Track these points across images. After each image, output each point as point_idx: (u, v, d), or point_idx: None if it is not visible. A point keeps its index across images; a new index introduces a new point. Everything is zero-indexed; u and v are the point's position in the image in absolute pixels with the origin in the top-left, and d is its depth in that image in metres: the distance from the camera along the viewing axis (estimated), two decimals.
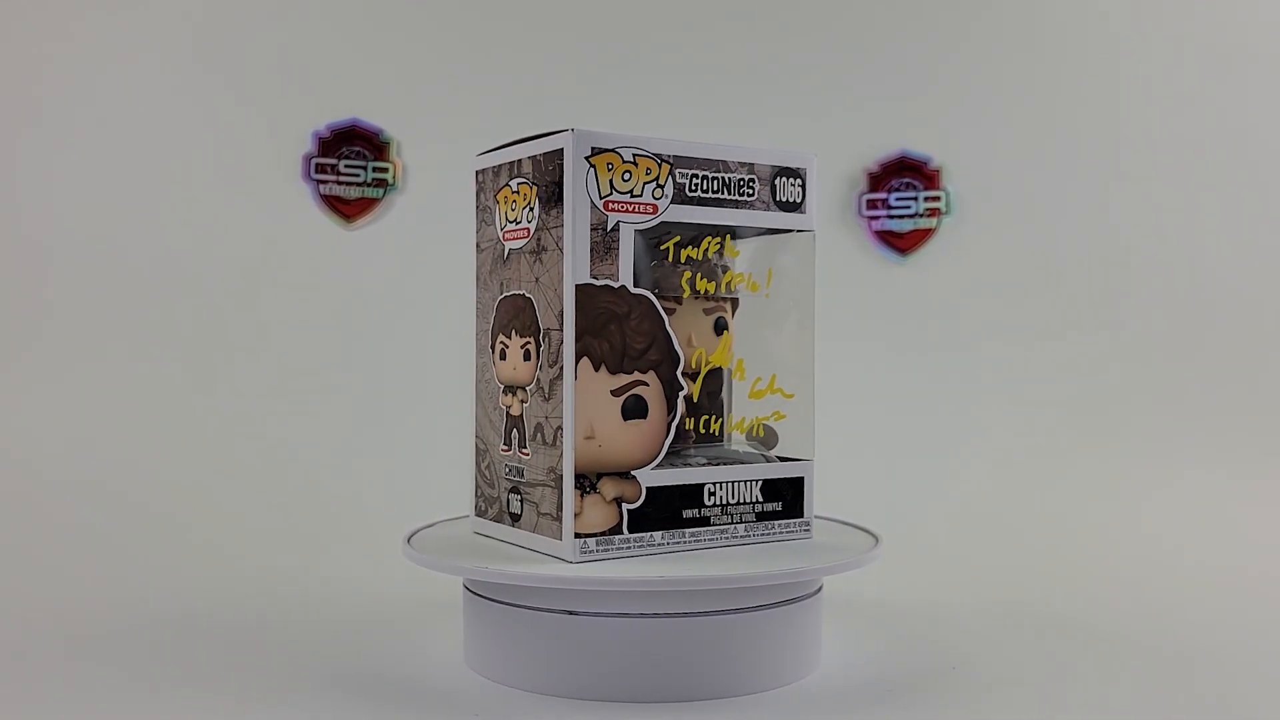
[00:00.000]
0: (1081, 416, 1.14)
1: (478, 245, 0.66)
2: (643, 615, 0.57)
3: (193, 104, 1.20)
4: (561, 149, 0.59)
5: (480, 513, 0.66)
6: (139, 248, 1.19)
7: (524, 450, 0.62)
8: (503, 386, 0.63)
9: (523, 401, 0.62)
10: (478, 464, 0.66)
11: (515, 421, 0.63)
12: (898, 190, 1.19)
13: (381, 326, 1.19)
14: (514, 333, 0.63)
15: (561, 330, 0.59)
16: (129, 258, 1.19)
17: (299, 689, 0.60)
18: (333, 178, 1.20)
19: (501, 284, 0.64)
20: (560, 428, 0.59)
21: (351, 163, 1.20)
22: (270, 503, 1.05)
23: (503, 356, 0.64)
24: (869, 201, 1.19)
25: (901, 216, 1.19)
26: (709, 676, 0.58)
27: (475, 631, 0.62)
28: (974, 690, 0.61)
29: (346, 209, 1.20)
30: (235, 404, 1.15)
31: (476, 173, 0.66)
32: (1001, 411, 1.15)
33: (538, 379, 0.61)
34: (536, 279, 0.61)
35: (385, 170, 1.20)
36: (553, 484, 0.60)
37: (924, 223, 1.19)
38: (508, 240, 0.63)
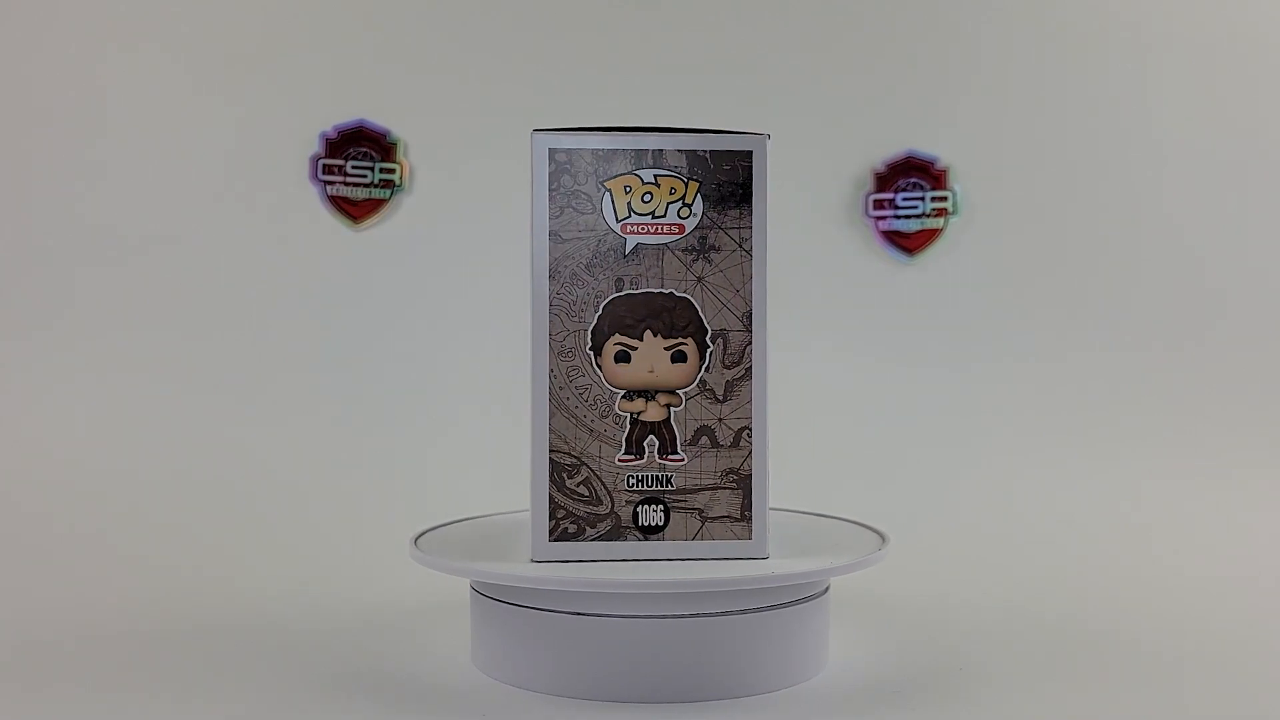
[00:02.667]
0: (1090, 417, 1.14)
1: (556, 234, 0.61)
2: (650, 616, 0.57)
3: (199, 104, 1.20)
4: (750, 151, 0.61)
5: (565, 536, 0.60)
6: (143, 248, 1.19)
7: (672, 456, 0.61)
8: (622, 392, 0.61)
9: (670, 405, 0.61)
10: (559, 481, 0.61)
11: (651, 428, 0.61)
12: (905, 190, 1.19)
13: (388, 327, 1.19)
14: (651, 333, 0.61)
15: (748, 331, 0.61)
16: (133, 258, 1.19)
17: (304, 690, 0.60)
18: (340, 179, 1.20)
19: (618, 280, 0.61)
20: (745, 428, 0.61)
21: (359, 164, 1.20)
22: (275, 504, 1.05)
23: (623, 359, 0.61)
24: (875, 202, 1.19)
25: (908, 217, 1.19)
26: (716, 677, 0.58)
27: (482, 631, 0.62)
28: (981, 691, 0.61)
29: (354, 210, 1.20)
30: (240, 404, 1.16)
31: (551, 151, 0.61)
32: (1010, 411, 1.15)
33: (702, 381, 0.61)
34: (700, 278, 0.61)
35: (393, 171, 1.21)
36: (733, 485, 0.61)
37: (931, 223, 1.19)
38: (633, 234, 0.61)
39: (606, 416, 0.61)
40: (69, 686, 0.61)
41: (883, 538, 0.66)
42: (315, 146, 1.20)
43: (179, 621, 0.73)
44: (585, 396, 0.61)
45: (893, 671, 0.63)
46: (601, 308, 0.61)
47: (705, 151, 0.61)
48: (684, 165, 0.61)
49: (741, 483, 0.61)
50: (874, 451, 1.11)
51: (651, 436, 0.61)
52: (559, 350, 0.61)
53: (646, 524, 0.61)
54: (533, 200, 0.60)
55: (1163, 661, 0.66)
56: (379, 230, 1.21)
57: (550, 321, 0.60)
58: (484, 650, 0.62)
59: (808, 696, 0.59)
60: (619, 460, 0.61)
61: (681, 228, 0.61)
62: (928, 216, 1.19)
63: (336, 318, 1.19)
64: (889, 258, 1.20)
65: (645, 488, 0.61)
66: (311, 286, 1.19)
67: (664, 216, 0.61)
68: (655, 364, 0.61)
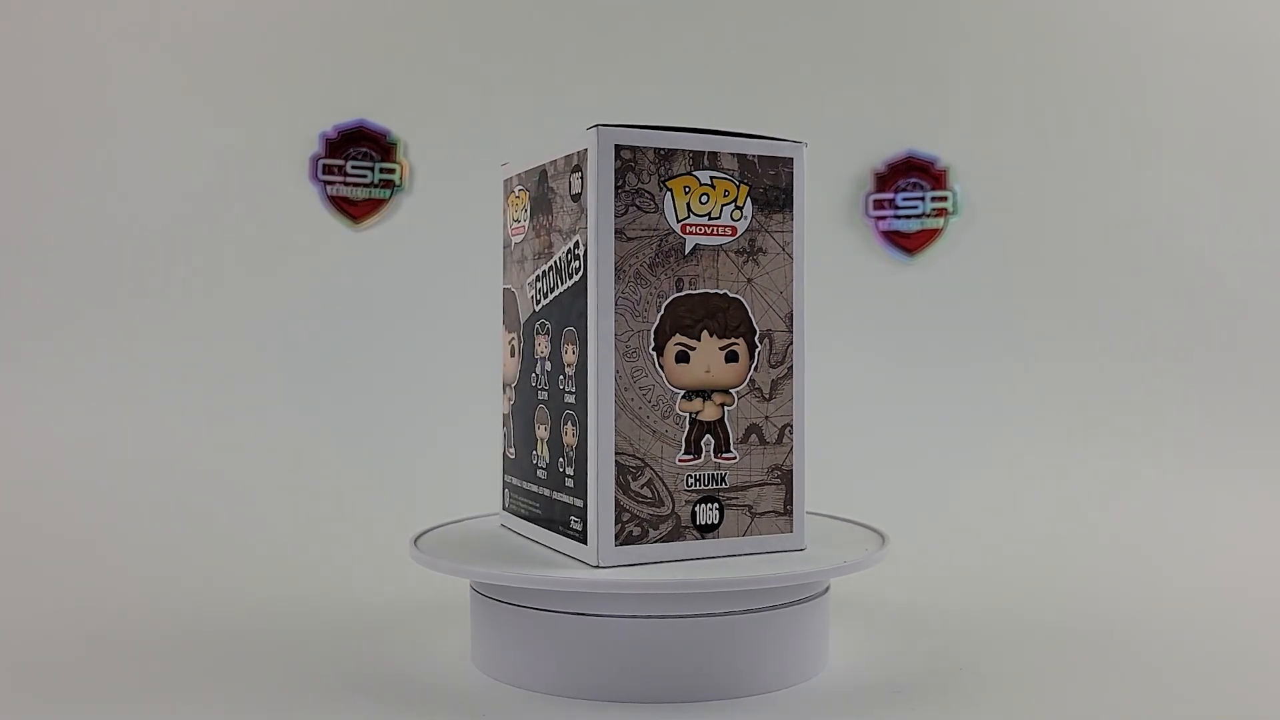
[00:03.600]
0: (1090, 416, 1.14)
1: (622, 232, 0.59)
2: (650, 616, 0.57)
3: (200, 105, 1.20)
4: (792, 159, 0.62)
5: (631, 539, 0.59)
6: (145, 248, 1.19)
7: (726, 455, 0.62)
8: (682, 392, 0.61)
9: (724, 405, 0.62)
10: (624, 484, 0.59)
11: (708, 427, 0.61)
12: (905, 190, 1.19)
13: (388, 327, 1.19)
14: (707, 333, 0.61)
15: (790, 332, 0.62)
16: (135, 258, 1.19)
17: (305, 690, 0.60)
18: (340, 179, 1.20)
19: (678, 280, 0.61)
20: (787, 425, 0.62)
21: (359, 164, 1.20)
22: (276, 504, 1.05)
23: (683, 359, 0.61)
24: (876, 202, 1.19)
25: (908, 216, 1.19)
26: (716, 677, 0.58)
27: (483, 632, 0.62)
28: (981, 691, 0.61)
29: (354, 210, 1.20)
30: (241, 404, 1.16)
31: (617, 147, 0.59)
32: (1010, 411, 1.15)
33: (752, 380, 0.62)
34: (749, 280, 0.62)
35: (392, 171, 1.21)
36: (778, 481, 0.62)
37: (931, 223, 1.19)
38: (691, 234, 0.61)
39: (668, 417, 0.60)
40: (71, 688, 0.61)
41: (883, 538, 0.66)
42: (315, 146, 1.20)
43: (179, 622, 0.73)
44: (649, 397, 0.60)
45: (893, 671, 0.63)
46: (664, 308, 0.60)
47: (754, 156, 0.62)
48: (735, 168, 0.62)
49: (784, 478, 0.62)
50: (874, 451, 1.11)
51: (708, 436, 0.61)
52: (624, 350, 0.59)
53: (704, 523, 0.61)
54: (595, 197, 0.58)
55: (1161, 662, 0.66)
56: (379, 230, 1.21)
57: (615, 321, 0.59)
58: (484, 650, 0.62)
59: (808, 696, 0.59)
60: (679, 460, 0.61)
61: (734, 230, 0.62)
62: (928, 216, 1.19)
63: (336, 317, 1.19)
64: (889, 258, 1.20)
65: (702, 487, 0.61)
66: (311, 286, 1.19)
67: (719, 218, 0.61)
68: (711, 364, 0.61)
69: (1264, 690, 0.62)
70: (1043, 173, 1.19)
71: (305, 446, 1.13)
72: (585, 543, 0.59)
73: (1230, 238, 1.17)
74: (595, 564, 0.58)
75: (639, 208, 0.59)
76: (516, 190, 0.67)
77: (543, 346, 0.64)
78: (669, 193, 0.60)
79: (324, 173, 1.20)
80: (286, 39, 1.21)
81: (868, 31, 1.22)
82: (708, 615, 0.58)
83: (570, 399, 0.60)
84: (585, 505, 0.59)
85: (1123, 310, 1.17)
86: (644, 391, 0.60)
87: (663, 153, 0.60)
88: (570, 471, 0.60)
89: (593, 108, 1.21)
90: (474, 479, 0.94)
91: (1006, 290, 1.18)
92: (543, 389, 0.64)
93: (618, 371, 0.59)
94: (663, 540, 0.60)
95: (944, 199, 1.18)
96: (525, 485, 0.66)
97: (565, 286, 0.61)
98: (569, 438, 0.61)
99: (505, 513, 0.69)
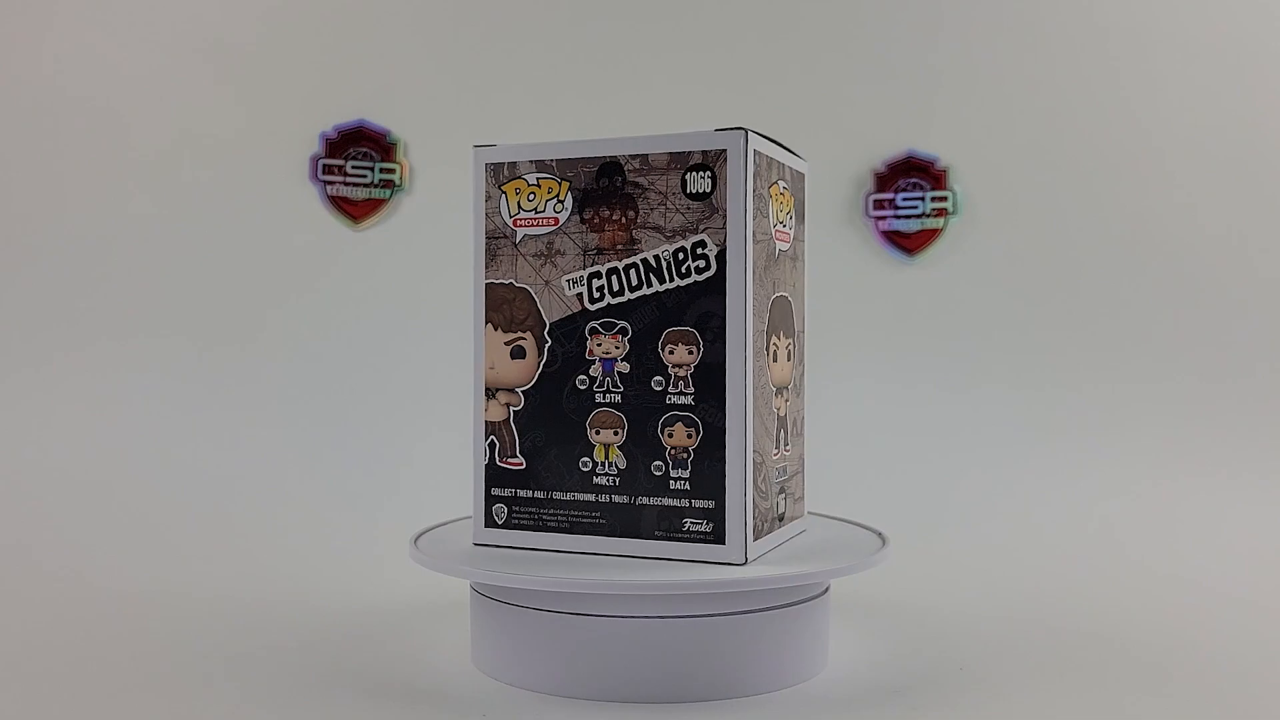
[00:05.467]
0: (1091, 417, 1.14)
1: (754, 235, 0.60)
2: (649, 616, 0.57)
3: (200, 105, 1.20)
4: (804, 174, 0.68)
5: (759, 534, 0.61)
6: (145, 248, 1.19)
7: (787, 448, 0.65)
8: (775, 389, 0.63)
9: (787, 401, 0.65)
10: (754, 483, 0.60)
11: (782, 422, 0.64)
12: (905, 190, 1.19)
13: (388, 327, 1.19)
14: (782, 334, 0.64)
15: (802, 332, 0.67)
16: (135, 258, 1.19)
17: (305, 690, 0.60)
18: (340, 179, 1.20)
19: (773, 283, 0.63)
20: (802, 418, 0.68)
21: (359, 164, 1.20)
22: (275, 504, 1.05)
23: (775, 358, 0.63)
24: (876, 202, 1.19)
25: (908, 217, 1.19)
26: (716, 677, 0.58)
27: (483, 632, 0.62)
28: (982, 691, 0.61)
29: (354, 210, 1.20)
30: (241, 405, 1.16)
31: (756, 154, 0.60)
32: (1010, 412, 1.15)
33: (794, 377, 0.66)
34: (794, 284, 0.66)
35: (392, 171, 1.21)
36: (800, 468, 0.67)
37: (931, 223, 1.19)
38: (779, 240, 0.63)
39: (770, 414, 0.62)
40: (71, 687, 0.61)
41: (883, 539, 0.66)
42: (315, 146, 1.20)
43: (179, 622, 0.73)
44: (764, 396, 0.61)
45: (893, 671, 0.63)
46: (769, 309, 0.62)
47: (792, 170, 0.66)
48: (788, 179, 0.65)
49: (802, 466, 0.68)
50: (873, 452, 1.11)
51: (782, 431, 0.64)
52: (755, 350, 0.60)
53: (781, 513, 0.64)
54: (739, 200, 0.58)
55: (1161, 663, 0.66)
56: (379, 230, 1.21)
57: (752, 321, 0.60)
58: (484, 650, 0.62)
59: (808, 696, 0.59)
60: (773, 454, 0.63)
61: (789, 236, 0.65)
62: (928, 216, 1.19)
63: (336, 317, 1.19)
64: (889, 258, 1.20)
65: (779, 479, 0.64)
66: (310, 286, 1.19)
67: (787, 226, 0.64)
68: (783, 362, 0.65)
69: (1264, 691, 0.62)
70: (1043, 173, 1.19)
71: (305, 446, 1.13)
72: (722, 542, 0.59)
73: (1235, 237, 1.17)
74: (741, 561, 0.59)
75: (760, 212, 0.60)
76: (534, 178, 0.62)
77: (608, 347, 0.61)
78: (770, 200, 0.62)
79: (324, 173, 1.20)
80: (287, 39, 1.21)
81: (868, 31, 1.22)
82: (707, 616, 0.58)
83: (684, 400, 0.60)
84: (719, 505, 0.59)
85: (1123, 310, 1.17)
86: (761, 390, 0.61)
87: (764, 161, 0.61)
88: (683, 474, 0.60)
89: (593, 107, 1.21)
90: (474, 479, 0.94)
91: (1007, 290, 1.18)
92: (610, 391, 0.61)
93: (754, 369, 0.60)
94: (769, 531, 0.62)
95: (944, 199, 1.18)
96: (559, 496, 0.62)
97: (670, 285, 0.60)
98: (679, 439, 0.60)
99: (498, 529, 0.63)
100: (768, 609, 0.59)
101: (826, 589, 0.63)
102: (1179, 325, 1.16)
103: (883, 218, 1.19)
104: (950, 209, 1.18)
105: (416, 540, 0.65)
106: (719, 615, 0.58)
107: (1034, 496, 1.07)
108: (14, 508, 1.04)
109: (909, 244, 1.19)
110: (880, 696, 0.59)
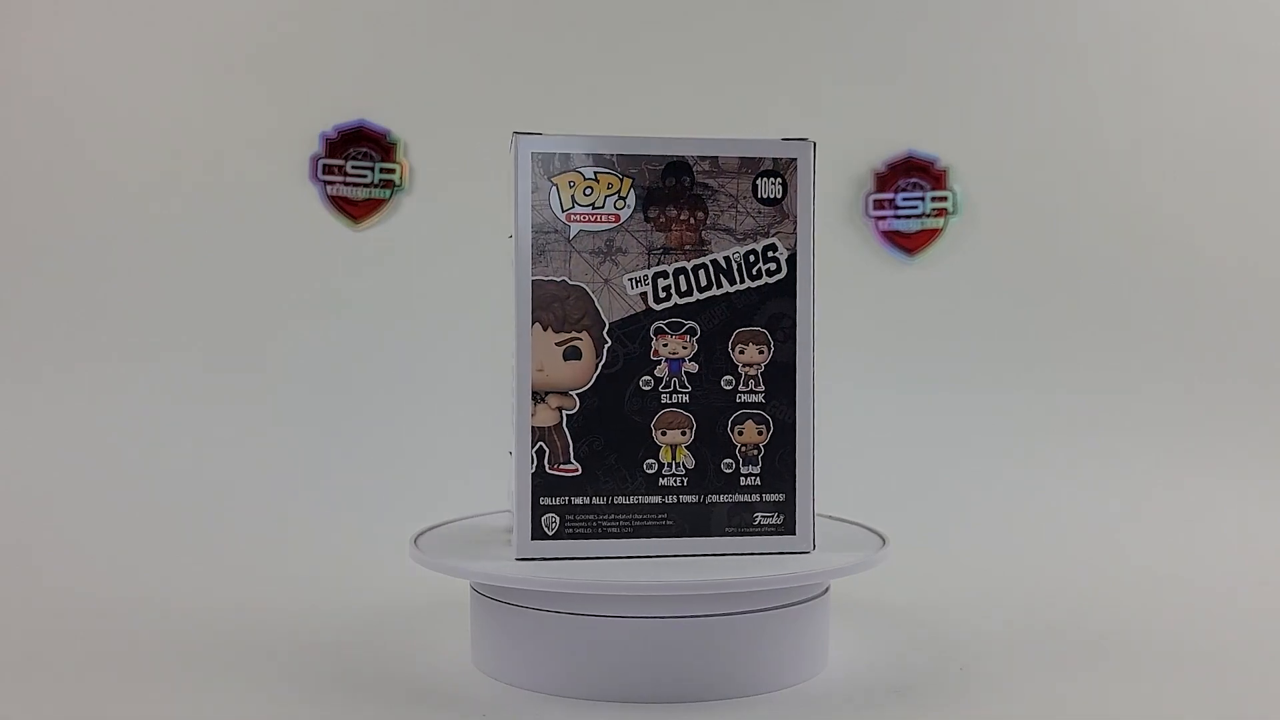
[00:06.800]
0: (1091, 417, 1.14)
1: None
2: (649, 617, 0.57)
3: (199, 104, 1.20)
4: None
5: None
6: (145, 248, 1.19)
7: None
8: None
9: None
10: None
11: None
12: (905, 190, 1.19)
13: (388, 327, 1.19)
14: None
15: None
16: (135, 258, 1.19)
17: (305, 690, 0.60)
18: (340, 179, 1.20)
19: None
20: None
21: (359, 164, 1.20)
22: (276, 504, 1.05)
23: None
24: (876, 202, 1.19)
25: (908, 217, 1.19)
26: (716, 677, 0.58)
27: (483, 632, 0.62)
28: (982, 691, 0.61)
29: (354, 210, 1.20)
30: (241, 405, 1.16)
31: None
32: (1010, 411, 1.15)
33: None
34: None
35: (393, 171, 1.21)
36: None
37: (931, 223, 1.19)
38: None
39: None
40: (71, 687, 0.61)
41: (883, 539, 0.66)
42: (315, 146, 1.20)
43: (180, 622, 0.73)
44: None
45: (893, 671, 0.63)
46: None
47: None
48: None
49: None
50: (872, 452, 1.11)
51: None
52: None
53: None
54: (807, 207, 0.62)
55: (1161, 663, 0.66)
56: (379, 230, 1.21)
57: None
58: (484, 650, 0.62)
59: (808, 697, 0.59)
60: None
61: None
62: (928, 216, 1.19)
63: (336, 317, 1.19)
64: (889, 258, 1.20)
65: None
66: (311, 286, 1.19)
67: None
68: None
69: (1265, 692, 0.62)
70: (1043, 173, 1.19)
71: (304, 446, 1.13)
72: (793, 533, 0.62)
73: (1236, 237, 1.17)
74: (810, 550, 0.62)
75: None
76: (591, 172, 0.60)
77: (675, 347, 0.61)
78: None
79: (324, 173, 1.20)
80: (287, 39, 1.21)
81: (868, 31, 1.22)
82: (706, 616, 0.58)
83: (756, 398, 0.61)
84: (789, 498, 0.62)
85: (1123, 310, 1.17)
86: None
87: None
88: (754, 470, 0.61)
89: (594, 108, 1.21)
90: (474, 478, 0.94)
91: (1007, 291, 1.18)
92: (677, 391, 0.61)
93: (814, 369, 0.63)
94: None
95: (944, 199, 1.18)
96: (621, 500, 0.61)
97: (741, 287, 0.61)
98: (750, 436, 0.61)
99: (547, 541, 0.60)
100: (768, 609, 0.59)
101: (826, 589, 0.63)
102: (1179, 325, 1.16)
103: (883, 218, 1.19)
104: (950, 209, 1.18)
105: (416, 540, 0.65)
106: (719, 615, 0.58)
107: (1034, 496, 1.06)
108: (13, 507, 1.04)
109: (909, 244, 1.19)
110: (880, 696, 0.59)
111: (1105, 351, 1.16)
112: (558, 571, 0.58)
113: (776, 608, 0.59)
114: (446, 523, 0.71)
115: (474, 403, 1.13)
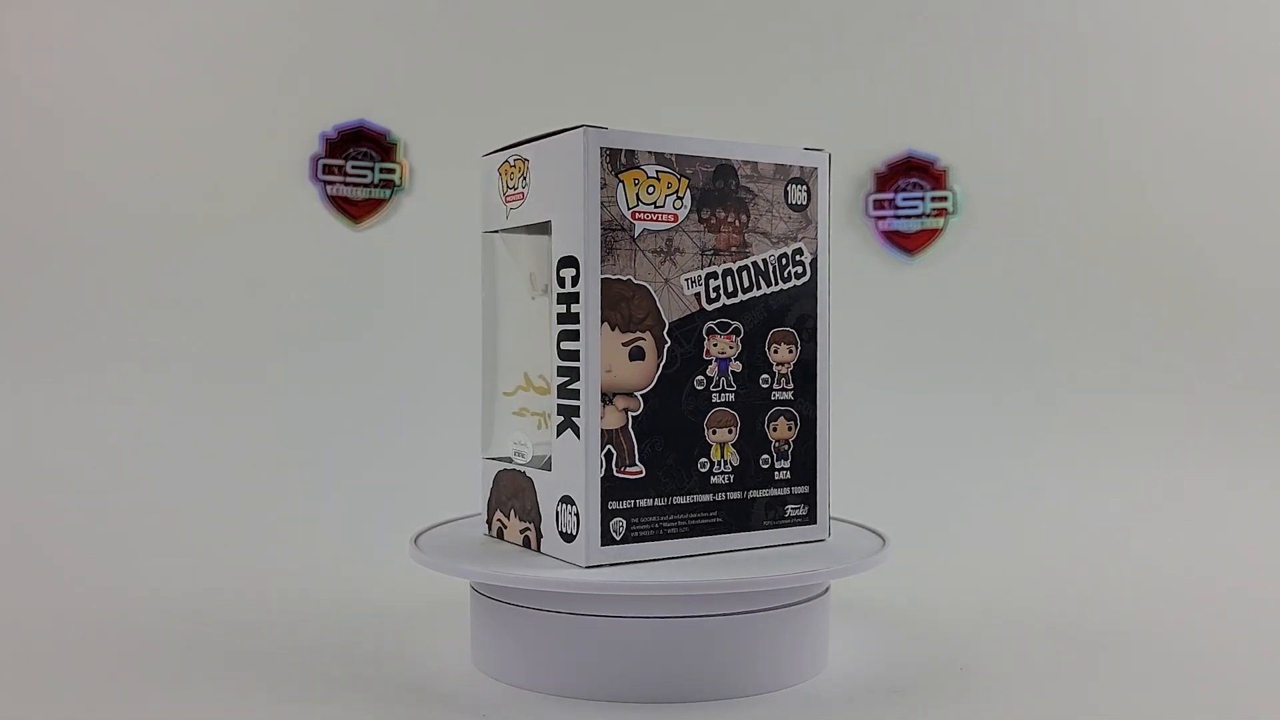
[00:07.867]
0: (1091, 416, 1.14)
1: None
2: (650, 617, 0.57)
3: (200, 105, 1.20)
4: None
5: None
6: (144, 248, 1.19)
7: None
8: None
9: None
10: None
11: None
12: (905, 190, 1.19)
13: (388, 327, 1.19)
14: None
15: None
16: (134, 258, 1.19)
17: (305, 689, 0.60)
18: (340, 178, 1.20)
19: None
20: None
21: (359, 164, 1.20)
22: (275, 503, 1.05)
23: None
24: (876, 202, 1.19)
25: (908, 217, 1.19)
26: (716, 677, 0.58)
27: (483, 632, 0.62)
28: (982, 691, 0.61)
29: (354, 210, 1.20)
30: (241, 404, 1.16)
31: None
32: (1010, 411, 1.15)
33: None
34: None
35: (392, 171, 1.21)
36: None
37: (931, 223, 1.19)
38: None
39: None
40: (71, 686, 0.61)
41: (883, 539, 0.66)
42: (315, 146, 1.20)
43: (180, 621, 0.73)
44: None
45: (893, 672, 0.63)
46: None
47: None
48: None
49: None
50: (873, 452, 1.11)
51: None
52: None
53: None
54: (828, 214, 0.65)
55: (1161, 663, 0.66)
56: (379, 230, 1.21)
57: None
58: (484, 650, 0.62)
59: (808, 696, 0.59)
60: None
61: None
62: (928, 216, 1.19)
63: (336, 317, 1.19)
64: (889, 258, 1.20)
65: None
66: (310, 286, 1.19)
67: None
68: None
69: (1265, 692, 0.62)
70: (1043, 173, 1.19)
71: (304, 446, 1.13)
72: (814, 522, 0.65)
73: (1236, 236, 1.17)
74: (826, 537, 0.65)
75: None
76: (653, 170, 0.59)
77: (723, 346, 0.61)
78: None
79: (324, 173, 1.20)
80: (287, 39, 1.21)
81: (867, 32, 1.22)
82: (707, 616, 0.58)
83: (786, 395, 0.63)
84: (812, 489, 0.64)
85: (1123, 310, 1.17)
86: None
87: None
88: (785, 464, 0.64)
89: (594, 108, 1.21)
90: (474, 478, 0.94)
91: (1007, 291, 1.18)
92: (725, 391, 0.61)
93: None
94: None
95: (944, 199, 1.18)
96: (679, 500, 0.60)
97: (775, 289, 0.63)
98: (782, 433, 0.63)
99: (616, 546, 0.59)
100: (768, 609, 0.59)
101: (826, 589, 0.63)
102: (1180, 324, 1.16)
103: (883, 218, 1.19)
104: (950, 209, 1.18)
105: (416, 540, 0.65)
106: (719, 615, 0.58)
107: (1034, 496, 1.06)
108: (13, 507, 1.04)
109: (909, 244, 1.19)
110: (880, 696, 0.59)
111: (1105, 350, 1.16)
112: (555, 572, 0.58)
113: (776, 608, 0.59)
114: (446, 522, 0.71)
115: (474, 403, 1.12)
